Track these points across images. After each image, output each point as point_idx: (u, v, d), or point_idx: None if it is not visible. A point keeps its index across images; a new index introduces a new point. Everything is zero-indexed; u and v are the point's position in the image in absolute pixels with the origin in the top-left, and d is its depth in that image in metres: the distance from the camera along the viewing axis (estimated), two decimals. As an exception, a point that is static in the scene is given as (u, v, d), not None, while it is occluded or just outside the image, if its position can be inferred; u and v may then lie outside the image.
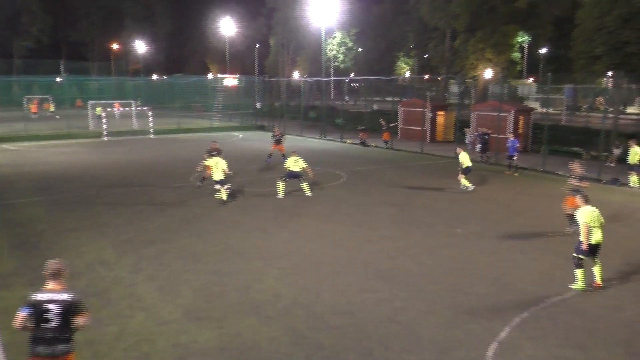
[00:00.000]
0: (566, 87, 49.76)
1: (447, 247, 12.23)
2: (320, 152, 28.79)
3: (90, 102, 42.86)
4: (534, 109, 34.23)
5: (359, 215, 15.02)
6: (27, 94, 55.76)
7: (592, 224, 9.61)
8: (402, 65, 76.25)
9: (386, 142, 30.78)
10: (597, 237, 9.69)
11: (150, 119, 36.56)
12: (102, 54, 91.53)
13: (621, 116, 36.14)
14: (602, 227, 9.77)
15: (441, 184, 19.82)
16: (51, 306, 5.41)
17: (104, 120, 35.01)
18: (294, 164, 17.12)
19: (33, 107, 52.76)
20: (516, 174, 21.72)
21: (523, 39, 51.99)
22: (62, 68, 69.40)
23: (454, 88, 59.31)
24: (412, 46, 66.85)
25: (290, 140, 32.97)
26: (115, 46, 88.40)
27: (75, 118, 40.52)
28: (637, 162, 20.13)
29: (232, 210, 15.50)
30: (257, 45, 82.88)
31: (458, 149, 19.38)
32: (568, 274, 9.95)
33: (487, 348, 7.51)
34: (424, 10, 51.14)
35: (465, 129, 31.47)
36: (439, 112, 34.03)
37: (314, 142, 33.46)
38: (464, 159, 18.71)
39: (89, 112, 40.78)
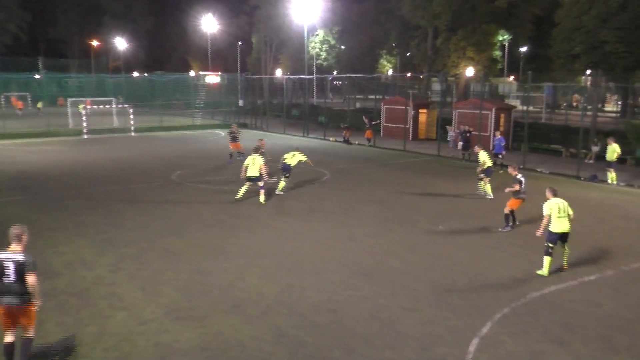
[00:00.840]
0: (546, 85, 50.46)
1: (429, 244, 12.30)
2: (303, 149, 28.34)
3: (69, 100, 42.27)
4: (514, 106, 34.61)
5: (341, 213, 15.04)
6: (4, 92, 54.85)
7: (558, 215, 10.17)
8: (385, 63, 76.50)
9: (369, 139, 30.88)
10: (564, 226, 10.28)
11: (132, 116, 36.20)
12: (82, 51, 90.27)
13: (599, 114, 36.76)
14: (569, 217, 10.33)
15: (423, 181, 19.93)
16: (8, 264, 6.41)
17: (84, 118, 34.55)
18: (291, 158, 17.42)
19: (19, 104, 52.25)
20: (501, 172, 21.91)
21: (504, 37, 52.56)
22: (40, 65, 68.30)
23: (436, 86, 59.80)
24: (394, 44, 67.10)
25: (273, 138, 32.93)
26: (95, 43, 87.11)
27: (55, 116, 39.87)
28: (615, 159, 20.49)
29: (213, 208, 15.40)
30: (240, 43, 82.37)
31: (477, 147, 17.25)
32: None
33: (468, 344, 7.57)
34: (406, 9, 51.40)
35: (447, 127, 31.77)
36: (421, 110, 34.25)
37: (296, 139, 33.39)
38: (485, 158, 16.53)
39: (69, 110, 40.16)
